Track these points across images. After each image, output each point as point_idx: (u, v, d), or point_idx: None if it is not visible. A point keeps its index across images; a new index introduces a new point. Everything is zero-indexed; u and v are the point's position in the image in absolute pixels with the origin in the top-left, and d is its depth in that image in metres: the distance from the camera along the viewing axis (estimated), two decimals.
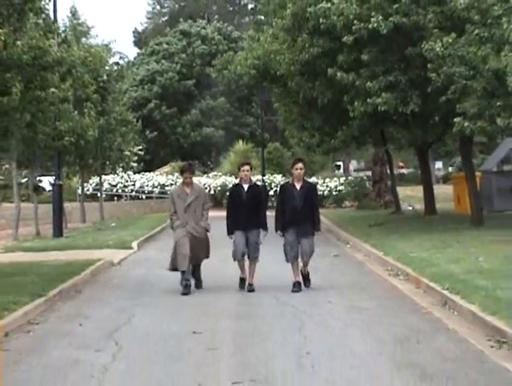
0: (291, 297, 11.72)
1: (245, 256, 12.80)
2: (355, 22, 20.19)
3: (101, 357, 8.26)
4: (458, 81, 18.40)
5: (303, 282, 12.63)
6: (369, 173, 45.60)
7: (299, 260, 12.65)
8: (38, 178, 28.31)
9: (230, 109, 59.43)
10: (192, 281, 12.95)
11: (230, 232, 12.82)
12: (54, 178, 25.93)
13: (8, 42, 13.05)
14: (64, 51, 15.92)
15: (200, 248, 12.87)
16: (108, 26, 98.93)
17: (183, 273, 12.69)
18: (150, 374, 7.53)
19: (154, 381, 7.28)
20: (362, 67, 21.11)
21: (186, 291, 12.47)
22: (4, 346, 8.95)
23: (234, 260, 12.92)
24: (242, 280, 12.85)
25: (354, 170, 60.14)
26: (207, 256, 13.21)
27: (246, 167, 12.79)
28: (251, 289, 12.51)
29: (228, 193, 13.51)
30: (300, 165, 12.64)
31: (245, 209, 12.57)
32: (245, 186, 12.74)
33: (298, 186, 12.55)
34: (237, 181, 13.54)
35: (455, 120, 19.19)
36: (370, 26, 20.01)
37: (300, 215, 12.38)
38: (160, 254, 18.09)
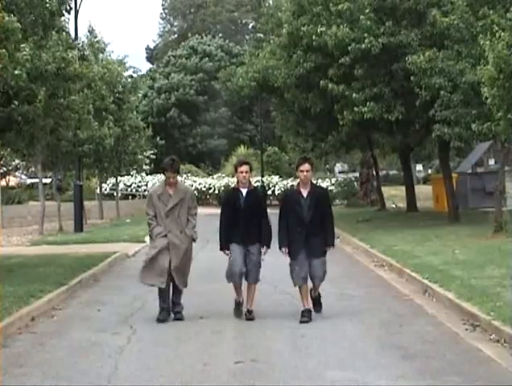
0: (287, 285, 11.68)
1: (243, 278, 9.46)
2: (352, 44, 20.27)
3: (117, 339, 8.28)
4: (444, 95, 18.49)
5: (312, 307, 9.40)
6: (353, 175, 45.77)
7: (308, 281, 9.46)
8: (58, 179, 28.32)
9: (232, 118, 59.46)
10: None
11: (225, 246, 9.36)
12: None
13: (33, 56, 13.06)
14: (85, 67, 15.95)
15: (182, 262, 9.48)
16: (122, 43, 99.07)
17: (160, 292, 9.48)
18: (161, 354, 7.54)
19: (164, 361, 7.29)
20: (353, 81, 21.18)
21: (162, 317, 9.28)
22: (31, 330, 8.97)
23: (229, 281, 9.42)
24: (238, 305, 9.42)
25: (339, 172, 60.07)
26: (185, 284, 9.64)
27: (245, 167, 9.26)
28: (250, 318, 9.20)
29: (223, 197, 10.00)
30: (306, 166, 9.17)
31: (243, 219, 9.18)
32: (244, 191, 9.28)
33: (305, 192, 9.17)
34: (233, 184, 9.63)
35: (434, 126, 19.29)
36: (363, 46, 20.11)
37: (309, 228, 9.10)
38: None
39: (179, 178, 9.87)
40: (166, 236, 9.42)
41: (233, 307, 9.45)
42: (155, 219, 9.49)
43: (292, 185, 9.61)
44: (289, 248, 9.21)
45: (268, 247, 9.29)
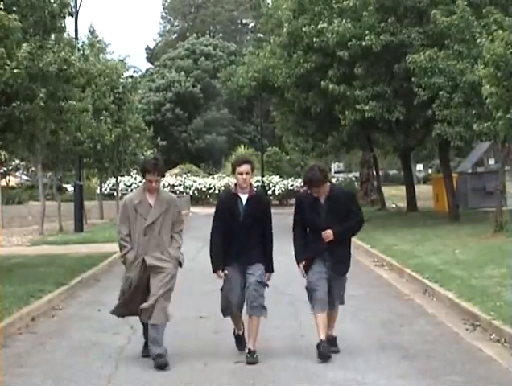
0: (287, 285, 11.69)
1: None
2: (352, 40, 20.28)
3: (117, 339, 8.27)
4: (443, 95, 18.52)
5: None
6: (350, 174, 45.90)
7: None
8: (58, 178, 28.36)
9: (233, 118, 59.59)
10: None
11: (217, 267, 7.30)
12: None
13: (34, 55, 13.08)
14: (84, 64, 15.99)
15: (164, 289, 7.20)
16: (122, 43, 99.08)
17: (144, 326, 7.40)
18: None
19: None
20: (353, 80, 21.20)
21: (162, 362, 7.02)
22: (31, 330, 8.97)
23: (224, 315, 7.47)
24: (239, 338, 7.51)
25: (335, 172, 60.14)
26: (165, 318, 7.27)
27: (245, 167, 7.26)
28: (252, 361, 7.04)
29: (217, 203, 7.77)
30: (315, 176, 7.26)
31: (243, 233, 7.22)
32: (244, 197, 7.30)
33: (322, 197, 7.36)
34: (231, 187, 7.65)
35: (434, 125, 19.32)
36: (364, 43, 20.12)
37: (329, 241, 7.28)
38: None
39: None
40: (143, 260, 7.20)
41: (234, 340, 7.54)
42: (129, 238, 7.29)
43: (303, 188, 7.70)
44: (305, 263, 7.43)
45: (272, 272, 7.37)
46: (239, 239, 7.23)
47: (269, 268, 7.33)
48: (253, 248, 7.25)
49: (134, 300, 7.31)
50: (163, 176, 7.59)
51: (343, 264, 7.44)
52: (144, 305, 7.16)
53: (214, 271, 7.33)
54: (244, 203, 7.29)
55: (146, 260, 7.19)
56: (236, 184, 7.38)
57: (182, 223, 7.52)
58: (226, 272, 7.24)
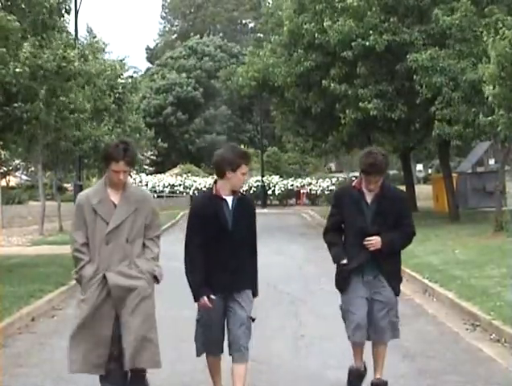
0: (287, 285, 11.70)
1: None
2: (357, 40, 20.30)
3: None
4: (446, 92, 18.57)
5: None
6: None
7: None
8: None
9: (232, 117, 59.67)
10: None
11: (202, 293, 5.65)
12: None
13: (35, 53, 13.11)
14: (83, 65, 16.04)
15: (141, 318, 5.50)
16: (122, 43, 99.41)
17: (103, 379, 5.58)
18: (162, 355, 7.51)
19: (166, 361, 7.22)
20: (356, 78, 21.24)
21: None
22: (31, 330, 8.97)
23: (199, 354, 5.91)
24: None
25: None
26: (156, 362, 5.74)
27: (245, 167, 5.52)
28: None
29: (191, 208, 5.76)
30: (378, 160, 5.73)
31: (232, 248, 5.51)
32: (229, 200, 5.53)
33: (369, 197, 5.89)
34: (208, 187, 6.03)
35: (434, 125, 19.37)
36: (368, 43, 20.16)
37: (375, 250, 5.86)
38: (170, 247, 18.04)
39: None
40: (104, 279, 5.44)
41: None
42: (86, 248, 5.53)
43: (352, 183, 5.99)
44: (344, 276, 6.07)
45: (257, 295, 5.89)
46: (226, 256, 5.50)
47: (255, 291, 5.77)
48: (242, 268, 5.60)
49: (87, 335, 5.48)
50: (133, 166, 5.77)
51: (385, 280, 5.96)
52: (125, 344, 5.35)
53: (197, 299, 5.68)
54: (231, 207, 5.53)
55: (108, 277, 5.40)
56: (216, 182, 5.60)
57: (158, 228, 5.70)
58: (213, 297, 5.60)
